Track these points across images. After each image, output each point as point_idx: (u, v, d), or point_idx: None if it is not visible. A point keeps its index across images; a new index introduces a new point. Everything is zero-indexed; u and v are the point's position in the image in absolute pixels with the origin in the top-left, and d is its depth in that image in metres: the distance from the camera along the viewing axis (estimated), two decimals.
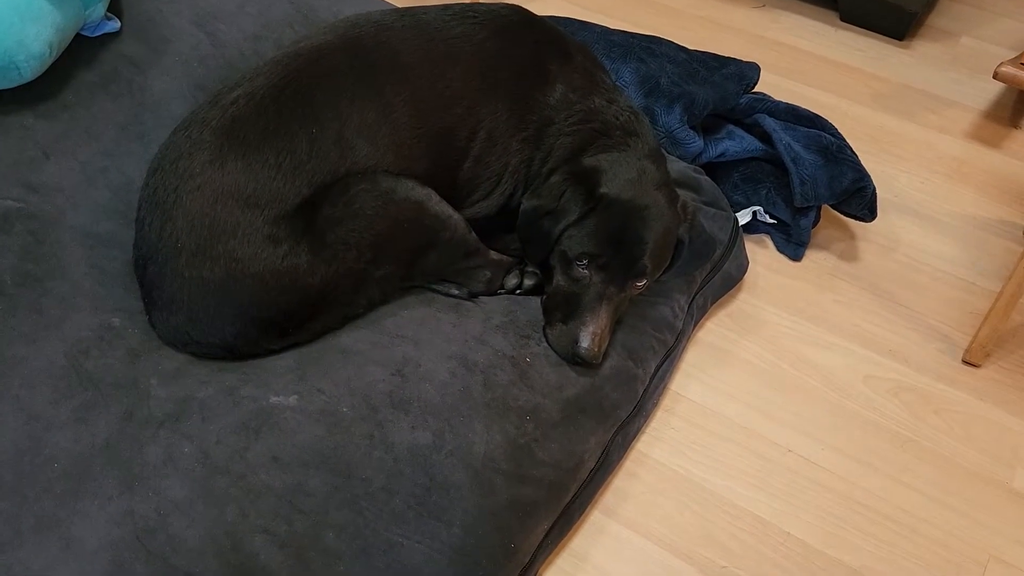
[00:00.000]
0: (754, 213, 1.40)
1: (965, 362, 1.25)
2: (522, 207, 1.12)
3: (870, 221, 1.37)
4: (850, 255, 1.41)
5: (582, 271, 1.07)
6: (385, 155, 1.04)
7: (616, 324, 1.11)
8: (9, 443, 0.88)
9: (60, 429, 0.90)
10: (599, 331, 1.05)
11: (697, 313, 1.28)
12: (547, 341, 1.09)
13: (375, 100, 1.05)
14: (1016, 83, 1.48)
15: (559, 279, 1.10)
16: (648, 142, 1.15)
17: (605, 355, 1.09)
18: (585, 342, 1.04)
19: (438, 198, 1.05)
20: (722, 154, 1.37)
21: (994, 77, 1.49)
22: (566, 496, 1.03)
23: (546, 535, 1.02)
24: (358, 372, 0.98)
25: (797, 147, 1.34)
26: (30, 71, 1.12)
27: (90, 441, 0.89)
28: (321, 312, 1.01)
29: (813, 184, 1.31)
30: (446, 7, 1.18)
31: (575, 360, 1.07)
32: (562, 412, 1.03)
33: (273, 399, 0.94)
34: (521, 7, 1.20)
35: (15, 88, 1.14)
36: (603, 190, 1.07)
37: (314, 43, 1.09)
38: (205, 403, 0.94)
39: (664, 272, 1.14)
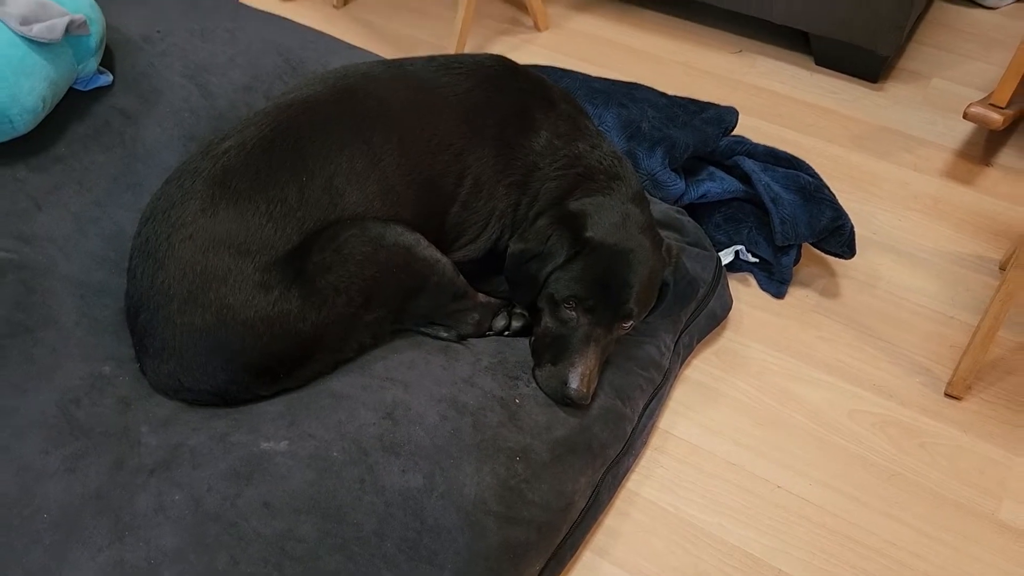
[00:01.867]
0: (736, 253, 1.42)
1: (947, 395, 1.27)
2: (509, 251, 1.13)
3: (849, 258, 1.40)
4: (831, 292, 1.43)
5: (569, 313, 1.09)
6: (374, 202, 1.06)
7: (604, 364, 1.13)
8: (6, 489, 0.88)
9: (50, 479, 0.90)
10: (587, 372, 1.06)
11: (683, 352, 1.29)
12: (536, 382, 1.10)
13: (364, 149, 1.07)
14: (985, 123, 1.52)
15: (547, 321, 1.12)
16: (632, 186, 1.18)
17: (594, 396, 1.09)
18: (574, 383, 1.06)
19: (426, 243, 1.07)
20: (704, 195, 1.40)
21: (964, 117, 1.54)
22: (557, 536, 1.03)
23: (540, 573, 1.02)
24: (349, 416, 0.99)
25: (776, 187, 1.38)
26: (23, 124, 1.14)
27: (80, 491, 0.89)
28: (312, 357, 1.02)
29: (793, 223, 1.34)
30: (431, 58, 1.21)
31: (564, 401, 1.08)
32: (552, 452, 1.04)
33: (264, 445, 0.95)
34: (504, 57, 1.24)
35: (8, 141, 1.16)
36: (589, 234, 1.09)
37: (304, 94, 1.12)
38: (196, 450, 0.94)
39: (650, 314, 1.16)
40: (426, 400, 1.02)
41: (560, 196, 1.15)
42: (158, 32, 1.37)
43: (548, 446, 1.04)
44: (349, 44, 1.52)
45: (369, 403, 1.01)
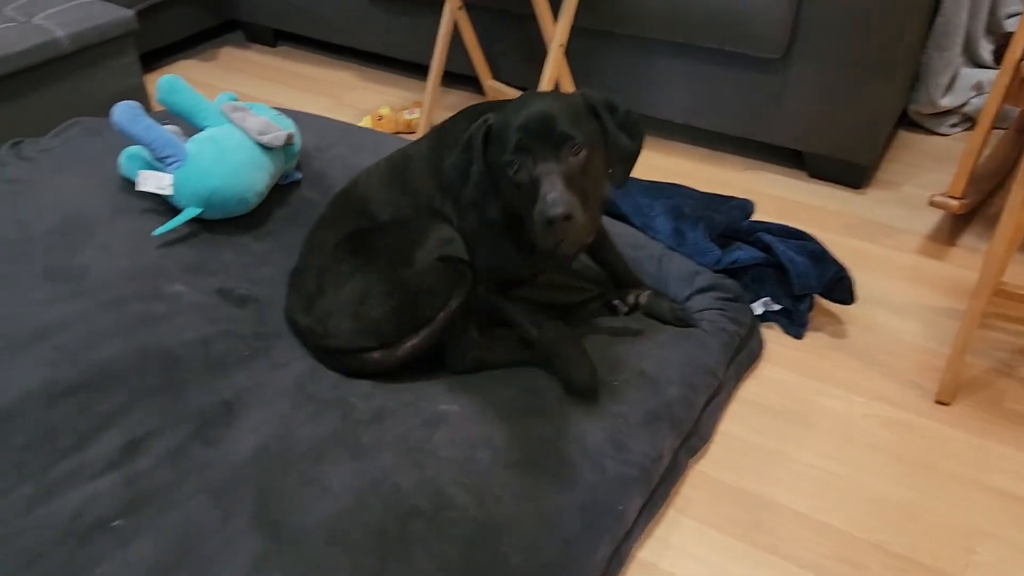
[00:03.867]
0: (764, 304, 1.83)
1: (938, 401, 1.64)
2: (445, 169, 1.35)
3: (851, 304, 1.80)
4: (839, 334, 1.83)
5: (516, 170, 1.20)
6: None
7: (583, 191, 1.20)
8: (272, 433, 1.24)
9: (300, 426, 1.26)
10: (559, 192, 1.15)
11: (734, 379, 1.67)
12: (537, 243, 1.20)
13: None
14: (946, 208, 1.98)
15: (515, 196, 1.24)
16: None
17: (583, 227, 1.18)
18: (552, 208, 1.13)
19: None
20: (735, 261, 1.83)
21: (929, 204, 2.00)
22: (652, 481, 1.35)
23: (639, 513, 1.35)
24: (494, 392, 1.37)
25: (791, 252, 1.80)
26: (253, 204, 1.59)
27: (322, 433, 1.26)
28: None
29: (806, 277, 1.76)
30: None
31: (554, 228, 1.15)
32: (644, 418, 1.39)
33: (442, 407, 1.32)
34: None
35: (239, 217, 1.60)
36: (489, 121, 1.25)
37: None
38: (395, 411, 1.31)
39: (623, 161, 1.31)
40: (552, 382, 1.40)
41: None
42: (326, 145, 1.86)
43: (641, 414, 1.39)
44: None
45: (509, 382, 1.38)
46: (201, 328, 1.39)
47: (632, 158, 1.34)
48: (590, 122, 1.26)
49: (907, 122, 2.63)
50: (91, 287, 1.40)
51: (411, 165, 1.50)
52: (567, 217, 1.15)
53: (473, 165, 1.26)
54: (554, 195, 1.15)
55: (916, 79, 2.48)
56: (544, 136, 1.20)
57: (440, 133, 1.51)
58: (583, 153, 1.22)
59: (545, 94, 1.29)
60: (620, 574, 1.30)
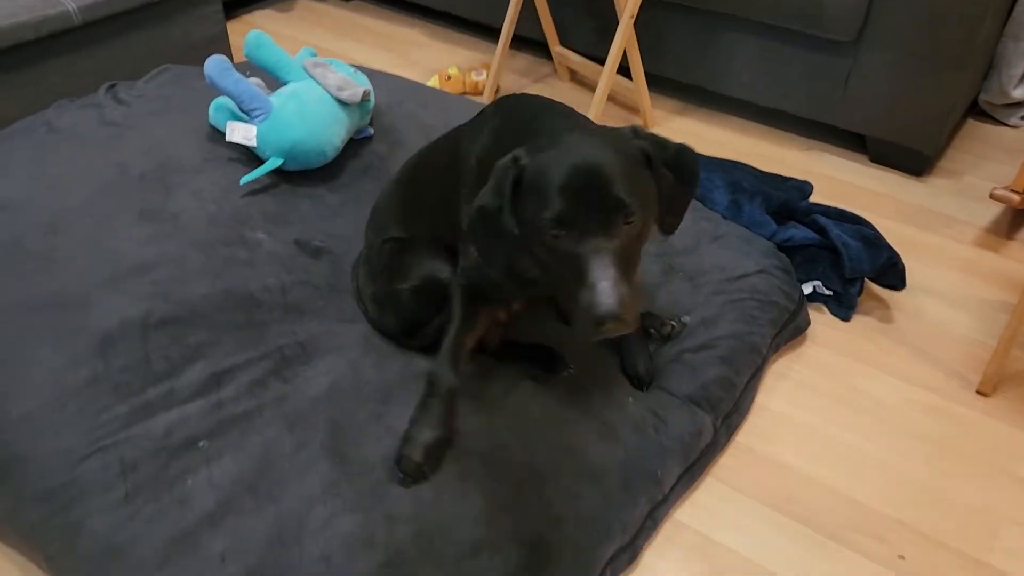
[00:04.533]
0: (814, 287, 1.87)
1: (978, 392, 1.68)
2: (464, 216, 1.13)
3: (901, 290, 1.83)
4: (887, 319, 1.86)
5: (558, 238, 0.97)
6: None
7: (633, 270, 1.01)
8: (342, 373, 1.35)
9: (368, 371, 1.36)
10: (612, 283, 0.94)
11: (773, 350, 1.73)
12: (576, 331, 0.99)
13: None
14: (1006, 201, 1.98)
15: (547, 262, 1.02)
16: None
17: (634, 312, 0.97)
18: (604, 300, 0.92)
19: None
20: (789, 239, 1.87)
21: (990, 197, 2.00)
22: (693, 455, 1.43)
23: (677, 481, 1.43)
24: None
25: (845, 236, 1.84)
26: (330, 157, 1.68)
27: (387, 379, 1.36)
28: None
29: (859, 261, 1.79)
30: None
31: (603, 328, 0.95)
32: (683, 400, 1.45)
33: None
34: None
35: (316, 170, 1.69)
36: (522, 162, 1.02)
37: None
38: None
39: (675, 210, 1.10)
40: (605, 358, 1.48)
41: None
42: (397, 101, 1.93)
43: (683, 393, 1.46)
44: None
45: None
46: (280, 276, 1.50)
47: (687, 206, 1.14)
48: (644, 176, 1.04)
49: (976, 111, 2.61)
50: (183, 230, 1.51)
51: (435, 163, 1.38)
52: (618, 317, 0.94)
53: (500, 218, 1.02)
54: (606, 284, 0.94)
55: (989, 68, 2.45)
56: (595, 203, 0.97)
57: (466, 132, 1.33)
58: (638, 222, 1.01)
59: (592, 135, 1.05)
60: (655, 532, 1.39)
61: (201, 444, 1.22)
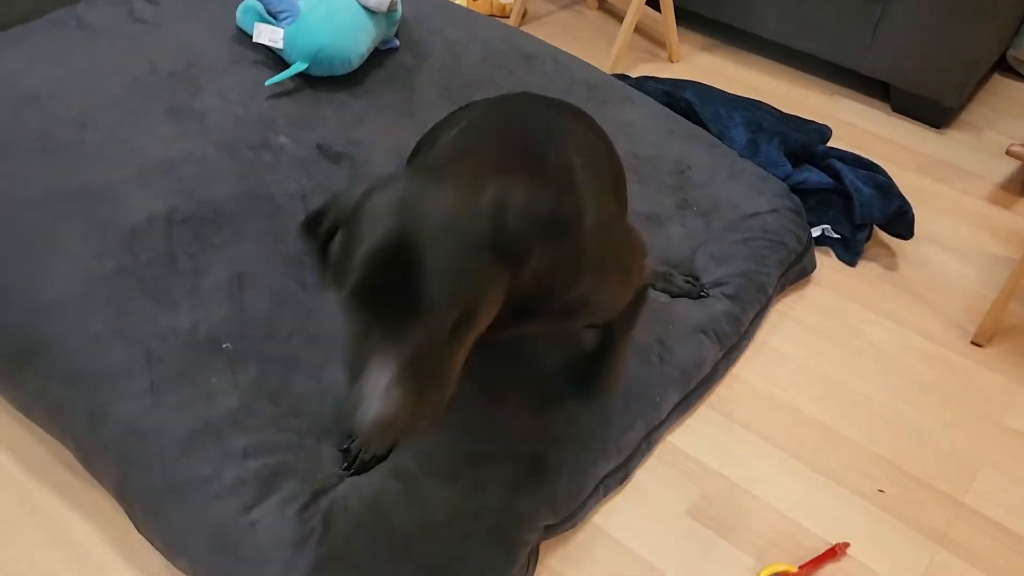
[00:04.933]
0: (823, 230, 1.90)
1: (973, 343, 1.72)
2: None
3: (909, 239, 1.86)
4: (892, 267, 1.89)
5: (349, 313, 0.75)
6: None
7: (432, 378, 0.75)
8: None
9: None
10: (382, 392, 0.71)
11: (778, 290, 1.76)
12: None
13: None
14: (1023, 158, 1.99)
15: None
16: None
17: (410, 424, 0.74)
18: (366, 411, 0.71)
19: None
20: (803, 182, 1.88)
21: (1007, 153, 2.01)
22: (692, 383, 1.49)
23: (674, 407, 1.49)
24: None
25: (858, 182, 1.85)
26: (355, 65, 1.69)
27: None
28: None
29: (869, 207, 1.81)
30: None
31: (363, 434, 0.72)
32: (689, 331, 1.49)
33: None
34: None
35: (340, 76, 1.70)
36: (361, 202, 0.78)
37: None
38: None
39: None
40: None
41: None
42: (425, 16, 1.93)
43: (689, 326, 1.50)
44: (542, 41, 2.05)
45: None
46: (300, 181, 1.52)
47: None
48: (480, 266, 0.76)
49: (1004, 66, 2.59)
50: (209, 129, 1.52)
51: None
52: (379, 432, 0.73)
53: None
54: (374, 392, 0.72)
55: (1021, 23, 2.42)
56: (393, 290, 0.73)
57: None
58: (446, 324, 0.75)
59: (446, 187, 0.79)
60: (650, 454, 1.45)
61: (225, 346, 1.26)
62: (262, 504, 1.11)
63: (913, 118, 2.38)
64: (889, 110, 2.42)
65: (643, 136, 1.82)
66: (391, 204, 0.76)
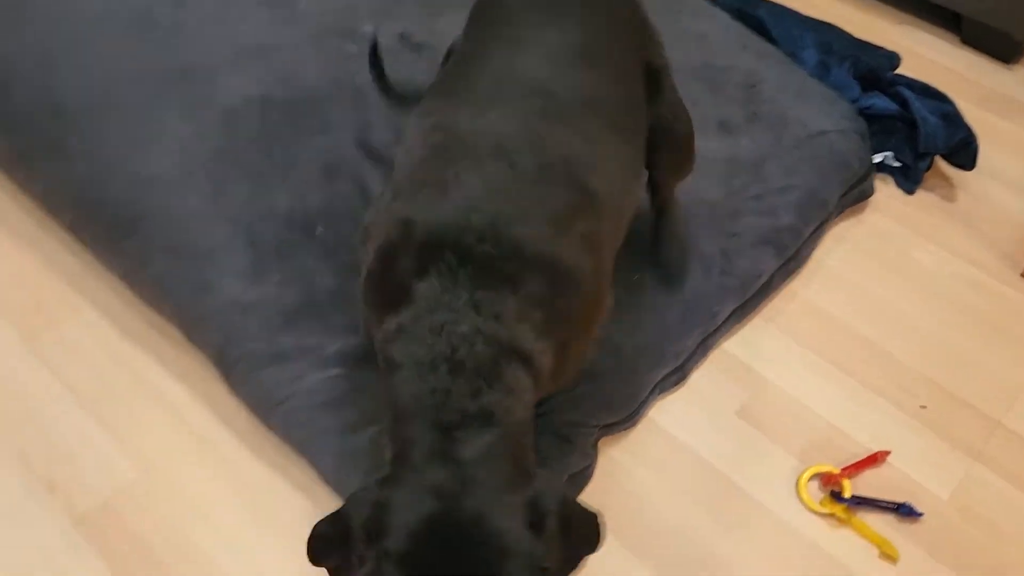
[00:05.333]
0: (884, 157, 1.92)
1: (1022, 275, 1.76)
2: None
3: (970, 170, 1.88)
4: (949, 198, 1.92)
5: None
6: None
7: None
8: None
9: None
10: None
11: (836, 212, 1.80)
12: None
13: None
14: None
15: None
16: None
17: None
18: None
19: None
20: (870, 107, 1.89)
21: None
22: (749, 291, 1.55)
23: (732, 313, 1.56)
24: None
25: (925, 111, 1.86)
26: None
27: None
28: None
29: (934, 137, 1.83)
30: None
31: None
32: (752, 242, 1.55)
33: None
34: None
35: None
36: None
37: None
38: None
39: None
40: None
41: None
42: None
43: (753, 236, 1.56)
44: None
45: None
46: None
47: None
48: (521, 542, 0.74)
49: None
50: (300, 17, 1.56)
51: None
52: None
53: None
54: None
55: None
56: None
57: None
58: None
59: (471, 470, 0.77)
60: (705, 359, 1.53)
61: (319, 231, 1.33)
62: (363, 371, 1.19)
63: (983, 51, 2.35)
64: (958, 41, 2.38)
65: (716, 48, 1.83)
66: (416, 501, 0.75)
